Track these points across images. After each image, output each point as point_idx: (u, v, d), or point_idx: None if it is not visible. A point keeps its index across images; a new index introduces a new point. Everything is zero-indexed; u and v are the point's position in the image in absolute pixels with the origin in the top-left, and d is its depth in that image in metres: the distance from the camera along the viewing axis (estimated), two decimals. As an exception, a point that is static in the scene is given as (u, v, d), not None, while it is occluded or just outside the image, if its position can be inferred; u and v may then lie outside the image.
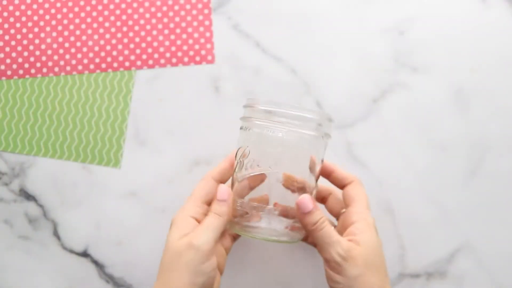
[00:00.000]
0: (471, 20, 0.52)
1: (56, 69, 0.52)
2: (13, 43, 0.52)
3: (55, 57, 0.52)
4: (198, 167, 0.51)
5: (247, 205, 0.41)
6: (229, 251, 0.45)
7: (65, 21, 0.52)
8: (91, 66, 0.52)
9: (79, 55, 0.52)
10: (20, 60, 0.52)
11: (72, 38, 0.52)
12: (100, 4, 0.52)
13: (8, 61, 0.52)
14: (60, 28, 0.52)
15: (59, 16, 0.52)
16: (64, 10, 0.52)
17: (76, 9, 0.52)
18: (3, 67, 0.52)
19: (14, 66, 0.52)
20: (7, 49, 0.52)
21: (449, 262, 0.50)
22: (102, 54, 0.52)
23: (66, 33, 0.52)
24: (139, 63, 0.52)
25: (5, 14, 0.52)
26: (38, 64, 0.52)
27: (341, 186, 0.45)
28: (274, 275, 0.50)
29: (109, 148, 0.51)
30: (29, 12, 0.52)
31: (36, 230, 0.51)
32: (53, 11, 0.52)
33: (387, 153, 0.51)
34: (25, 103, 0.52)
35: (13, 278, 0.51)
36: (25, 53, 0.52)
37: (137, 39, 0.52)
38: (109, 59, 0.52)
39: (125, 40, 0.52)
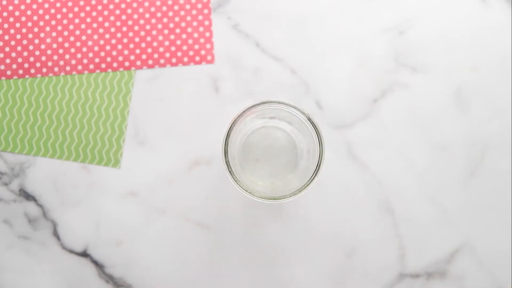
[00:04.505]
0: (471, 20, 0.52)
1: (56, 69, 0.52)
2: (12, 43, 0.52)
3: (55, 57, 0.52)
4: (198, 167, 0.51)
5: None
6: None
7: (65, 21, 0.52)
8: (91, 66, 0.52)
9: (78, 55, 0.52)
10: (19, 60, 0.52)
11: (71, 38, 0.52)
12: (99, 4, 0.52)
13: (7, 61, 0.52)
14: (59, 28, 0.52)
15: (58, 16, 0.52)
16: (64, 10, 0.52)
17: (76, 9, 0.52)
18: (2, 67, 0.52)
19: (14, 66, 0.52)
20: (7, 49, 0.52)
21: (449, 262, 0.50)
22: (102, 54, 0.52)
23: (65, 33, 0.52)
24: (138, 63, 0.52)
25: (5, 14, 0.52)
26: (38, 64, 0.52)
27: None
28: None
29: (109, 148, 0.51)
30: (28, 12, 0.52)
31: (36, 230, 0.51)
32: (52, 11, 0.52)
33: (387, 153, 0.51)
34: (24, 103, 0.52)
35: (13, 278, 0.51)
36: (25, 53, 0.52)
37: (136, 39, 0.52)
38: (108, 59, 0.52)
39: (125, 40, 0.52)
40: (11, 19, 0.52)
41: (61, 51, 0.52)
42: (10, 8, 0.52)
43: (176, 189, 0.51)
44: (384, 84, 0.51)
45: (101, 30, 0.52)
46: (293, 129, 0.47)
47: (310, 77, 0.51)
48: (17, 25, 0.52)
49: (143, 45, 0.52)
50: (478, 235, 0.50)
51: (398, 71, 0.51)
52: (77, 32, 0.52)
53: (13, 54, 0.52)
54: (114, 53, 0.52)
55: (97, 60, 0.52)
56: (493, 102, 0.51)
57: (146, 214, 0.51)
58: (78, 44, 0.52)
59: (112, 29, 0.52)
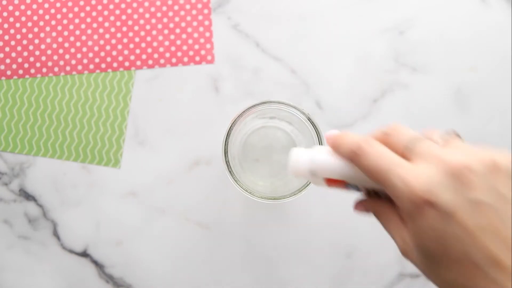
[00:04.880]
0: (471, 20, 0.52)
1: (56, 69, 0.52)
2: (12, 43, 0.52)
3: (55, 57, 0.52)
4: (198, 167, 0.51)
5: None
6: None
7: (65, 21, 0.52)
8: (91, 66, 0.52)
9: (78, 55, 0.52)
10: (19, 60, 0.52)
11: (71, 38, 0.52)
12: (99, 4, 0.52)
13: (7, 61, 0.52)
14: (59, 28, 0.52)
15: (58, 16, 0.52)
16: (64, 10, 0.52)
17: (76, 9, 0.52)
18: (2, 67, 0.52)
19: (14, 66, 0.52)
20: (7, 49, 0.52)
21: (449, 262, 0.50)
22: (102, 54, 0.52)
23: (65, 33, 0.52)
24: (138, 63, 0.52)
25: (5, 14, 0.52)
26: (38, 64, 0.52)
27: None
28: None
29: (109, 148, 0.51)
30: (28, 12, 0.52)
31: (36, 230, 0.51)
32: (52, 11, 0.52)
33: (387, 153, 0.51)
34: (25, 103, 0.52)
35: (13, 278, 0.51)
36: (25, 53, 0.52)
37: (136, 39, 0.52)
38: (108, 59, 0.52)
39: (125, 40, 0.52)
40: (11, 19, 0.52)
41: (61, 51, 0.52)
42: (10, 8, 0.52)
43: (176, 189, 0.51)
44: (384, 84, 0.51)
45: (101, 30, 0.52)
46: (293, 129, 0.47)
47: (310, 77, 0.51)
48: (17, 25, 0.52)
49: (143, 45, 0.52)
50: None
51: (398, 71, 0.51)
52: (77, 32, 0.52)
53: (13, 54, 0.52)
54: (114, 53, 0.52)
55: (97, 60, 0.52)
56: (493, 102, 0.51)
57: (146, 214, 0.51)
58: (78, 44, 0.52)
59: (112, 29, 0.52)
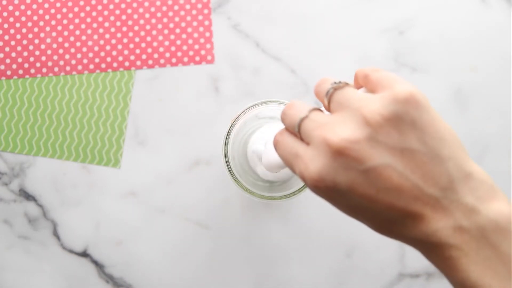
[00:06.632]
0: (471, 20, 0.52)
1: (56, 69, 0.52)
2: (12, 43, 0.52)
3: (55, 57, 0.52)
4: (198, 167, 0.51)
5: None
6: None
7: (65, 21, 0.52)
8: (91, 66, 0.52)
9: (78, 55, 0.52)
10: (19, 60, 0.52)
11: (71, 38, 0.52)
12: (99, 4, 0.52)
13: (7, 61, 0.52)
14: (59, 28, 0.52)
15: (58, 16, 0.52)
16: (64, 10, 0.52)
17: (76, 9, 0.52)
18: (2, 67, 0.52)
19: (14, 66, 0.52)
20: (7, 49, 0.52)
21: (449, 262, 0.50)
22: (102, 54, 0.52)
23: (65, 33, 0.52)
24: (138, 63, 0.52)
25: (5, 14, 0.52)
26: (38, 64, 0.52)
27: None
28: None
29: (109, 148, 0.51)
30: (28, 12, 0.52)
31: (36, 230, 0.51)
32: (52, 11, 0.52)
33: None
34: (25, 103, 0.52)
35: (13, 278, 0.51)
36: (25, 53, 0.52)
37: (136, 39, 0.52)
38: (108, 59, 0.52)
39: (125, 40, 0.52)
40: (11, 19, 0.52)
41: (61, 51, 0.52)
42: (10, 8, 0.52)
43: (176, 189, 0.51)
44: (384, 84, 0.51)
45: (101, 30, 0.52)
46: None
47: (310, 77, 0.51)
48: (17, 25, 0.52)
49: (143, 45, 0.52)
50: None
51: (398, 71, 0.51)
52: (77, 32, 0.52)
53: (13, 54, 0.52)
54: (114, 53, 0.52)
55: (97, 60, 0.52)
56: (493, 102, 0.51)
57: (146, 214, 0.51)
58: (78, 44, 0.52)
59: (112, 29, 0.52)
